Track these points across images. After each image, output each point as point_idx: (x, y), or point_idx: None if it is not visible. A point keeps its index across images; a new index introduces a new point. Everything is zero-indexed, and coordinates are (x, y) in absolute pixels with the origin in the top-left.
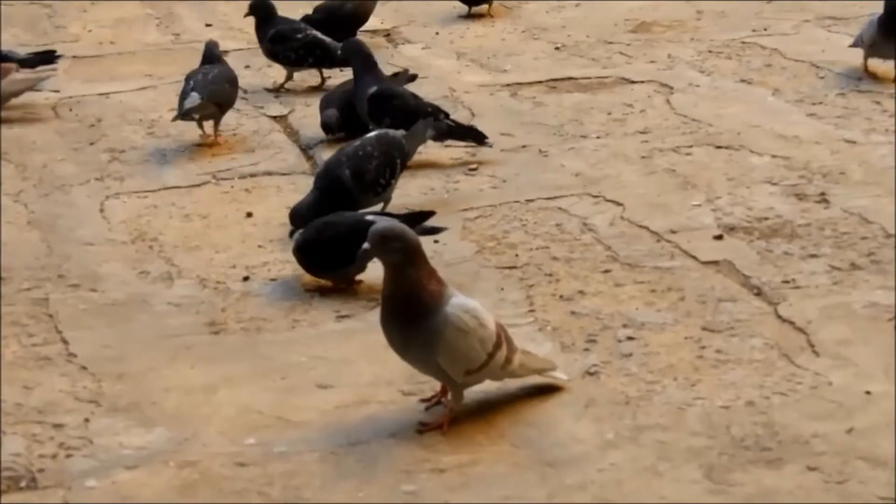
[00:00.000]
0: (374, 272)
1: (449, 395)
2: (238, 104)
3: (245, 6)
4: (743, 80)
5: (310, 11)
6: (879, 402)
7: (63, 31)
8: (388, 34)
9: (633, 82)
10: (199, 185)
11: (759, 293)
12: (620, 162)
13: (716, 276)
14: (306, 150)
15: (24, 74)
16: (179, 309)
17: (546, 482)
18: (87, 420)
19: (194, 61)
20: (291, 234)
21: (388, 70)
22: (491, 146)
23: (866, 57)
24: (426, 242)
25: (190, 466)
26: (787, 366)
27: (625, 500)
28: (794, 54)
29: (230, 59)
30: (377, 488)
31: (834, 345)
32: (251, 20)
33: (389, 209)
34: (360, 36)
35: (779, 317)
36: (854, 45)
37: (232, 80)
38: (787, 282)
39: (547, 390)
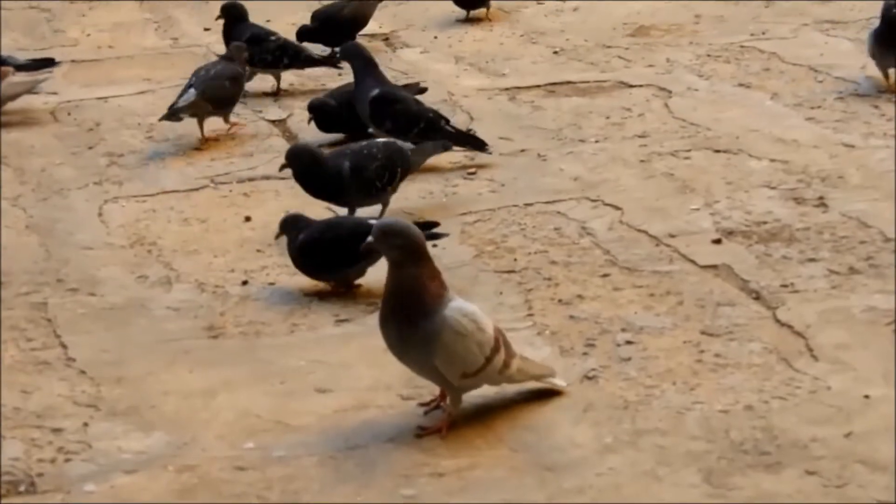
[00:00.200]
0: (373, 276)
1: (447, 400)
2: (237, 108)
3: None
4: (741, 84)
5: (308, 14)
6: (878, 407)
7: (62, 35)
8: (386, 38)
9: (631, 86)
10: (197, 189)
11: (757, 297)
12: (619, 166)
13: (714, 281)
14: None
15: (21, 77)
16: (178, 313)
17: (545, 486)
18: (85, 424)
19: (192, 65)
20: (277, 235)
21: (388, 76)
22: (490, 153)
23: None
24: None
25: (189, 470)
26: (786, 370)
27: None
28: (793, 58)
29: None
30: (376, 492)
31: (833, 349)
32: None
33: (389, 215)
34: (359, 40)
35: (777, 321)
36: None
37: (234, 78)
38: (785, 286)
39: (545, 394)
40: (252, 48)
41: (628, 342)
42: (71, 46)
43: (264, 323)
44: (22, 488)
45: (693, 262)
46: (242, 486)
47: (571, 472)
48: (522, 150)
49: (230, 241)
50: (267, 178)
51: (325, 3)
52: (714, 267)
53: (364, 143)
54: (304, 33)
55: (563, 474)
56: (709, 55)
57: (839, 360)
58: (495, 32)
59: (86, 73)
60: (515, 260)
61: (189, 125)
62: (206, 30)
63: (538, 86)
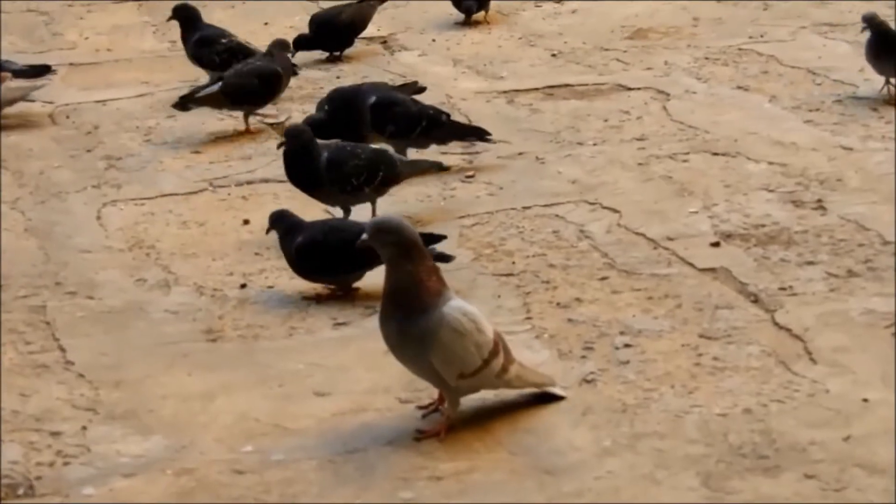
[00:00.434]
0: (371, 279)
1: (446, 403)
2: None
3: (243, 12)
4: (740, 87)
5: (307, 17)
6: (877, 410)
7: (60, 38)
8: (384, 41)
9: (629, 89)
10: (196, 193)
11: (756, 300)
12: (617, 169)
13: (713, 284)
14: None
15: (18, 83)
16: (176, 316)
17: (543, 490)
18: (84, 428)
19: (190, 68)
20: (268, 230)
21: (386, 78)
22: (494, 142)
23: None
24: None
25: (187, 474)
26: (785, 373)
27: None
28: (791, 61)
29: None
30: (374, 495)
31: (831, 352)
32: (249, 27)
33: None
34: (358, 43)
35: (776, 324)
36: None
37: (264, 76)
38: (784, 289)
39: (544, 398)
40: (200, 50)
41: (626, 345)
42: (69, 49)
43: (263, 326)
44: (21, 491)
45: (691, 265)
46: (241, 489)
47: (570, 476)
48: (520, 153)
49: (229, 245)
50: (266, 181)
51: (325, 5)
52: (712, 270)
53: (355, 143)
54: (301, 42)
55: (562, 478)
56: (707, 58)
57: (838, 364)
58: (493, 35)
59: (84, 76)
60: (514, 263)
61: (189, 127)
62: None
63: (536, 88)
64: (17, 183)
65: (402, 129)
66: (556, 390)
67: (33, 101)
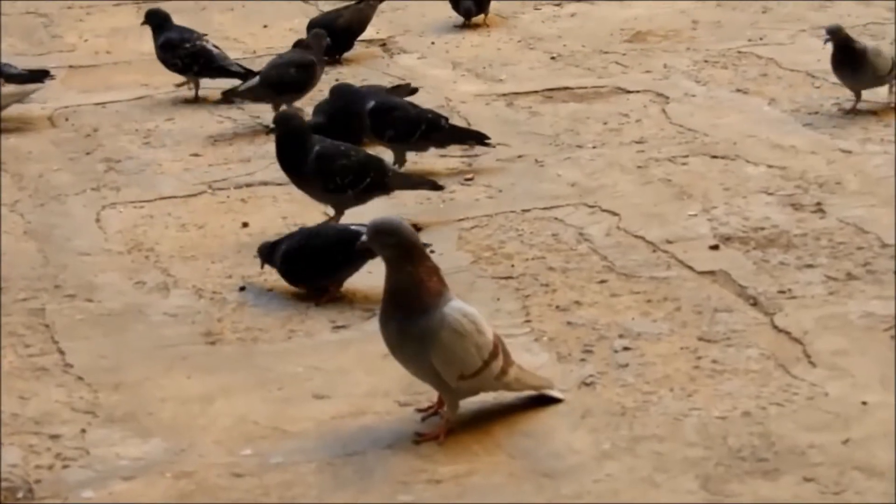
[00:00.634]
0: (369, 281)
1: (445, 406)
2: (234, 114)
3: (242, 15)
4: (739, 90)
5: (306, 19)
6: (876, 413)
7: (59, 40)
8: (383, 44)
9: (628, 92)
10: (195, 195)
11: (755, 303)
12: (616, 172)
13: (712, 287)
14: None
15: (11, 89)
16: (176, 319)
17: (542, 493)
18: (83, 431)
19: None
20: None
21: (384, 80)
22: (494, 146)
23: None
24: None
25: (186, 477)
26: (784, 376)
27: None
28: (790, 64)
29: None
30: (374, 498)
31: (830, 355)
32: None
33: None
34: (357, 46)
35: (775, 327)
36: None
37: (302, 65)
38: (783, 292)
39: (543, 401)
40: (164, 53)
41: (626, 348)
42: (68, 52)
43: (262, 329)
44: (20, 495)
45: (690, 268)
46: (240, 492)
47: (569, 479)
48: (520, 156)
49: (228, 247)
50: (265, 183)
51: (324, 7)
52: (711, 273)
53: (352, 145)
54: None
55: (561, 481)
56: (706, 61)
57: (837, 367)
58: (493, 38)
59: (83, 78)
60: (513, 266)
61: (188, 129)
62: (204, 35)
63: (535, 91)
64: (17, 185)
65: (401, 133)
66: (555, 393)
67: (28, 103)
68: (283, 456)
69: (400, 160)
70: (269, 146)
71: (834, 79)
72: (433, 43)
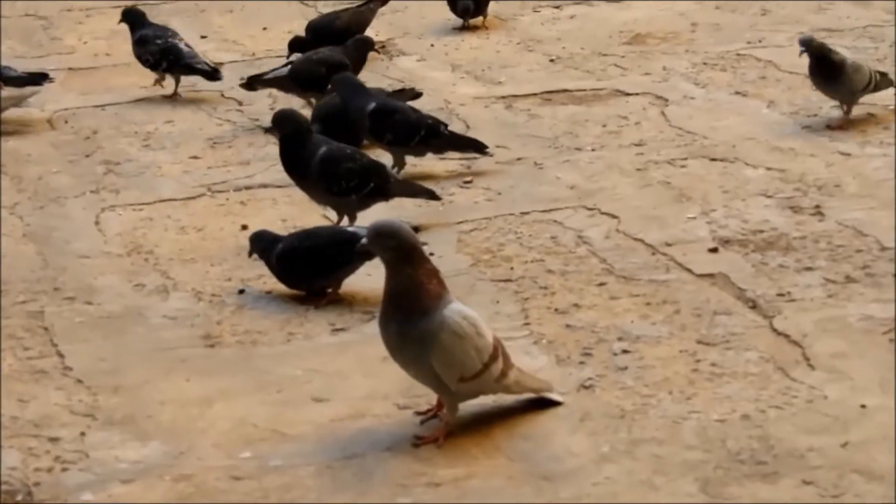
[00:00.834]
0: (368, 284)
1: (444, 409)
2: (233, 116)
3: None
4: (738, 93)
5: (305, 21)
6: (875, 416)
7: (59, 42)
8: (383, 46)
9: (627, 94)
10: (194, 198)
11: (754, 306)
12: (615, 174)
13: (711, 289)
14: None
15: (9, 92)
16: (175, 322)
17: (541, 496)
18: (82, 433)
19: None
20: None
21: (384, 83)
22: (492, 155)
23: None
24: None
25: (185, 480)
26: (783, 379)
27: None
28: (789, 66)
29: (224, 71)
30: (373, 501)
31: (829, 358)
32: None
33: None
34: None
35: (774, 330)
36: None
37: (334, 65)
38: (782, 295)
39: (542, 404)
40: (137, 50)
41: (625, 351)
42: (68, 54)
43: (261, 332)
44: (19, 497)
45: (690, 270)
46: (239, 495)
47: (568, 482)
48: (519, 159)
49: (227, 250)
50: (264, 186)
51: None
52: (711, 276)
53: (356, 148)
54: (295, 45)
55: (560, 484)
56: (705, 63)
57: (836, 370)
58: (492, 40)
59: (83, 80)
60: (512, 269)
61: (187, 132)
62: (203, 37)
63: (535, 94)
64: (16, 188)
65: (400, 137)
66: (555, 396)
67: (26, 106)
68: (282, 459)
69: (399, 163)
70: (269, 149)
71: None
72: (432, 45)
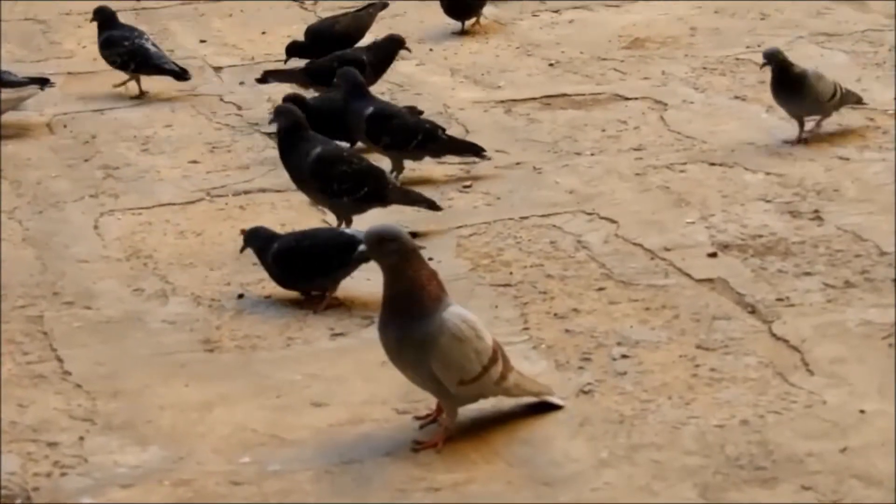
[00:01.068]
0: (367, 289)
1: (444, 414)
2: (232, 120)
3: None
4: (737, 97)
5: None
6: (874, 421)
7: (58, 46)
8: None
9: (627, 99)
10: (193, 202)
11: (753, 311)
12: (614, 179)
13: (710, 294)
14: None
15: (6, 95)
16: (174, 326)
17: (541, 501)
18: (81, 438)
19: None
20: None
21: (382, 87)
22: (490, 159)
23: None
24: None
25: (184, 485)
26: (782, 384)
27: None
28: None
29: (224, 75)
30: None
31: (828, 363)
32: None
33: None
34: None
35: (773, 335)
36: None
37: (348, 62)
38: (781, 300)
39: (542, 408)
40: (104, 50)
41: (624, 356)
42: (67, 58)
43: (260, 336)
44: (18, 502)
45: (689, 275)
46: (238, 500)
47: (567, 487)
48: (518, 163)
49: (226, 255)
50: (263, 190)
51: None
52: (710, 281)
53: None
54: (293, 49)
55: (559, 489)
56: (704, 68)
57: (835, 375)
58: (491, 45)
59: (82, 84)
60: (511, 273)
61: (186, 136)
62: (202, 41)
63: (534, 98)
64: (15, 192)
65: (397, 141)
66: (555, 399)
67: (24, 109)
68: (281, 464)
69: (398, 167)
70: (268, 153)
71: None
72: (431, 49)
